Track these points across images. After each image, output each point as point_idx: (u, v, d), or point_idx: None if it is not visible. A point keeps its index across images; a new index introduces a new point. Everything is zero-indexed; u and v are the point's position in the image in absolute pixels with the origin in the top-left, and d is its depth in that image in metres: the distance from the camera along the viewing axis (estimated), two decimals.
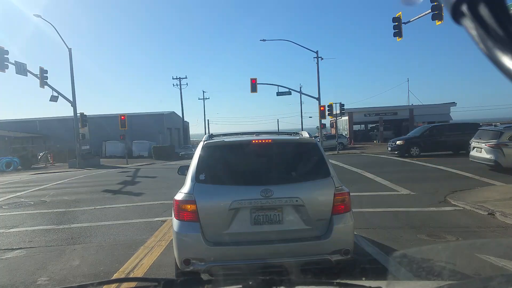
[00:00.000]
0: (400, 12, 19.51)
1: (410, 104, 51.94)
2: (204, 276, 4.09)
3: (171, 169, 20.77)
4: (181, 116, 57.09)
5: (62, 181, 19.39)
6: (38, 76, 26.69)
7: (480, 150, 14.47)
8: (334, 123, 42.37)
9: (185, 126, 62.65)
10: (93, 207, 10.85)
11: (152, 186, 15.39)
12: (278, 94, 33.54)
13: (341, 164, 19.09)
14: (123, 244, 6.81)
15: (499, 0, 0.59)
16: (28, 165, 32.71)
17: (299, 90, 40.91)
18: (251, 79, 30.02)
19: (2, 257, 6.39)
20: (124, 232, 7.80)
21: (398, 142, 23.74)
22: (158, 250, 6.24)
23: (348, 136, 45.61)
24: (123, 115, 32.68)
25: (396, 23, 19.45)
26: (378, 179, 13.60)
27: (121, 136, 33.88)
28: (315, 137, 18.27)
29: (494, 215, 7.79)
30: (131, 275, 5.11)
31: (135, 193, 13.51)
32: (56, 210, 10.86)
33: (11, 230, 8.49)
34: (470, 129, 23.50)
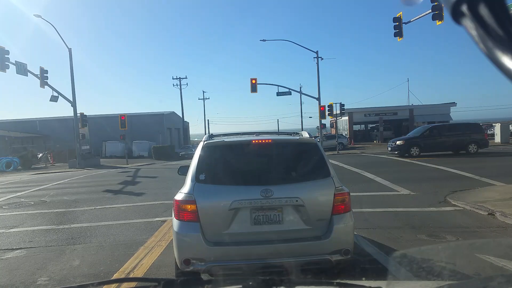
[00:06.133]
0: (401, 12, 19.53)
1: (410, 104, 51.95)
2: (204, 276, 4.10)
3: (171, 169, 20.77)
4: (181, 116, 57.11)
5: (62, 181, 19.39)
6: (39, 76, 26.70)
7: None
8: (334, 123, 42.37)
9: (185, 126, 62.66)
10: (93, 207, 10.85)
11: (152, 186, 15.39)
12: (278, 94, 33.55)
13: (341, 164, 19.10)
14: (123, 244, 6.80)
15: (499, 0, 0.59)
16: (28, 165, 32.72)
17: (299, 90, 40.91)
18: (251, 79, 30.02)
19: (2, 257, 6.39)
20: (124, 232, 7.80)
21: (398, 142, 23.73)
22: (158, 250, 6.23)
23: (348, 136, 45.61)
24: (123, 115, 32.68)
25: (397, 23, 19.45)
26: (378, 179, 13.60)
27: (121, 136, 33.89)
28: (315, 137, 18.28)
29: (494, 215, 7.79)
30: (131, 275, 5.11)
31: (135, 193, 13.51)
32: (56, 210, 10.86)
33: (11, 230, 8.49)
34: (470, 129, 23.57)
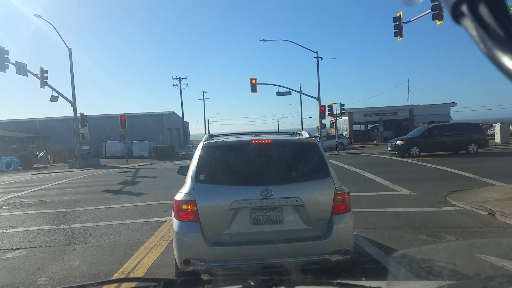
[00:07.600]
0: (401, 12, 19.53)
1: (410, 104, 51.94)
2: (204, 276, 4.10)
3: (171, 169, 20.77)
4: (181, 116, 57.10)
5: (62, 181, 19.39)
6: (38, 76, 26.70)
7: None
8: (334, 123, 42.36)
9: (185, 126, 62.64)
10: (93, 207, 10.85)
11: (152, 186, 15.39)
12: (278, 94, 33.55)
13: (341, 164, 19.10)
14: (123, 244, 6.80)
15: (499, 0, 0.59)
16: (28, 165, 32.73)
17: (299, 90, 40.93)
18: (251, 79, 30.01)
19: (2, 257, 6.39)
20: (124, 232, 7.80)
21: (398, 142, 23.73)
22: (158, 250, 6.23)
23: (348, 136, 45.61)
24: (123, 115, 32.69)
25: (397, 23, 19.45)
26: (378, 179, 13.60)
27: (121, 136, 33.89)
28: (315, 137, 18.27)
29: (494, 215, 7.79)
30: (131, 275, 5.11)
31: (135, 193, 13.50)
32: (56, 210, 10.86)
33: (11, 230, 8.49)
34: (470, 129, 23.57)
